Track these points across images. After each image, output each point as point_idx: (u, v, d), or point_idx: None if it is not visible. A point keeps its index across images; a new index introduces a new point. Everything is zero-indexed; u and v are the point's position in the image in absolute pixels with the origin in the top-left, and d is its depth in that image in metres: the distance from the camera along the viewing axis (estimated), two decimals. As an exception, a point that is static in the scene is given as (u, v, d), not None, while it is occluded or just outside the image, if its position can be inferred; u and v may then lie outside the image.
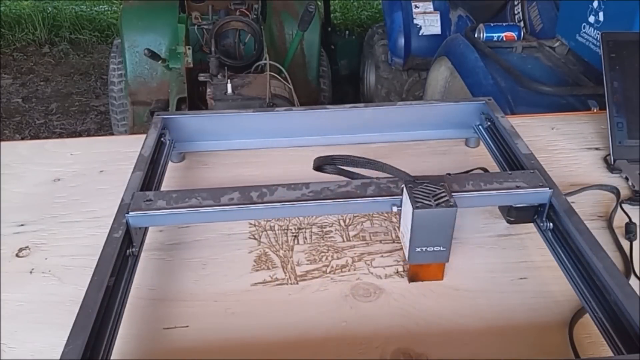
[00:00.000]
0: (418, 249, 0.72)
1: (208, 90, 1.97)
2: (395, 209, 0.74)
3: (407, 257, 0.74)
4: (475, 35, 1.94)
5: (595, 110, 1.24)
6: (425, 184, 0.73)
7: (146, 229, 0.81)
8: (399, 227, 0.77)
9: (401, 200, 0.74)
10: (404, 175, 0.76)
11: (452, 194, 0.72)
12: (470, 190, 0.77)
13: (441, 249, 0.72)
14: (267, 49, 2.19)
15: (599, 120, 1.14)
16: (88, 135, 3.12)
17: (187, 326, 0.71)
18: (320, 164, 0.78)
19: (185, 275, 0.79)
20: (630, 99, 1.02)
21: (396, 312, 0.73)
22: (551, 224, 0.77)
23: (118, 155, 1.04)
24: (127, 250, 0.73)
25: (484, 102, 1.01)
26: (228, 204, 0.75)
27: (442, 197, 0.71)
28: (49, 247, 0.84)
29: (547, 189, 0.78)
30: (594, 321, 0.66)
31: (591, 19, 1.58)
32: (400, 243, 0.84)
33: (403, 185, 0.74)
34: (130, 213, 0.74)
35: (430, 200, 0.70)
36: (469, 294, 0.76)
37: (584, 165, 1.02)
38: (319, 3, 3.03)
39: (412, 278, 0.77)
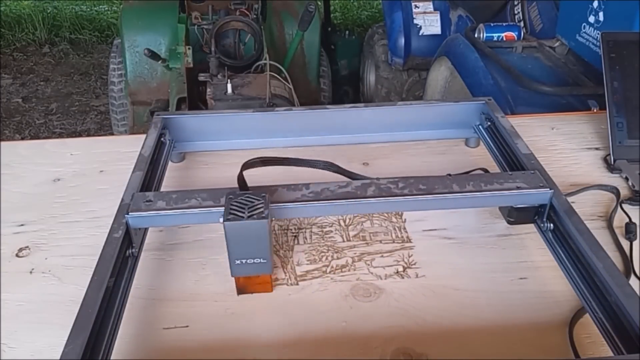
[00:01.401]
0: (237, 262, 0.71)
1: (208, 90, 1.97)
2: (221, 219, 0.71)
3: (230, 269, 0.73)
4: (475, 35, 1.94)
5: (595, 110, 1.24)
6: (246, 195, 0.72)
7: (146, 229, 0.81)
8: None
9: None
10: (229, 189, 0.75)
11: (452, 194, 0.72)
12: (471, 191, 0.77)
13: (262, 260, 0.71)
14: (267, 49, 2.19)
15: (599, 120, 1.14)
16: (88, 135, 3.12)
17: (187, 326, 0.71)
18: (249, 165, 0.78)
19: (185, 275, 0.79)
20: (630, 99, 1.02)
21: (396, 312, 0.73)
22: (551, 225, 0.77)
23: (118, 155, 1.04)
24: (127, 251, 0.73)
25: (484, 102, 1.01)
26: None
27: (256, 209, 0.70)
28: (49, 247, 0.84)
29: (548, 189, 0.78)
30: (594, 321, 0.66)
31: (591, 19, 1.58)
32: (400, 243, 0.84)
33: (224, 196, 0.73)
34: (130, 214, 0.74)
35: (244, 212, 0.69)
36: (469, 294, 0.76)
37: (584, 165, 1.02)
38: (319, 3, 3.03)
39: (241, 291, 0.75)
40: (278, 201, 0.75)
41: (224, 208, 0.71)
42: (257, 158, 0.81)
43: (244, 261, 0.71)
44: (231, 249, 0.70)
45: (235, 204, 0.71)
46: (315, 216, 0.88)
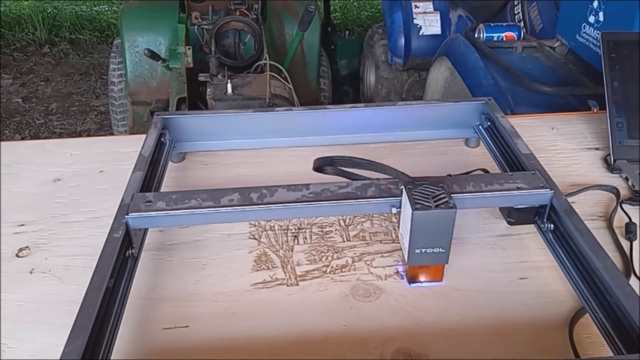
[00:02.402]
0: (417, 251, 0.72)
1: (208, 90, 1.97)
2: (394, 210, 0.74)
3: (406, 258, 0.74)
4: (475, 35, 1.94)
5: (595, 110, 1.24)
6: (424, 185, 0.73)
7: (146, 229, 0.81)
8: (398, 228, 0.77)
9: (400, 202, 0.74)
10: (403, 177, 0.76)
11: (453, 195, 0.72)
12: (471, 192, 0.77)
13: (441, 250, 0.72)
14: (267, 49, 2.19)
15: (599, 120, 1.14)
16: (88, 135, 3.12)
17: (187, 326, 0.71)
18: (321, 165, 0.78)
19: (186, 275, 0.79)
20: (630, 99, 1.02)
21: (396, 312, 0.73)
22: (552, 225, 0.77)
23: (118, 155, 1.04)
24: (127, 252, 0.73)
25: (484, 102, 1.01)
26: (228, 205, 0.75)
27: (441, 199, 0.71)
28: (49, 247, 0.84)
29: (548, 190, 0.78)
30: (594, 321, 0.66)
31: (591, 19, 1.58)
32: (400, 243, 0.84)
33: (402, 187, 0.74)
34: (129, 214, 0.74)
35: (429, 202, 0.70)
36: (469, 294, 0.76)
37: (584, 165, 1.02)
38: (319, 3, 3.03)
39: (412, 279, 0.76)
40: (278, 201, 0.75)
41: (398, 198, 0.73)
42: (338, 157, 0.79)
43: (423, 250, 0.72)
44: (414, 238, 0.71)
45: (417, 193, 0.71)
46: (315, 216, 0.88)
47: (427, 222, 0.70)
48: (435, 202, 0.70)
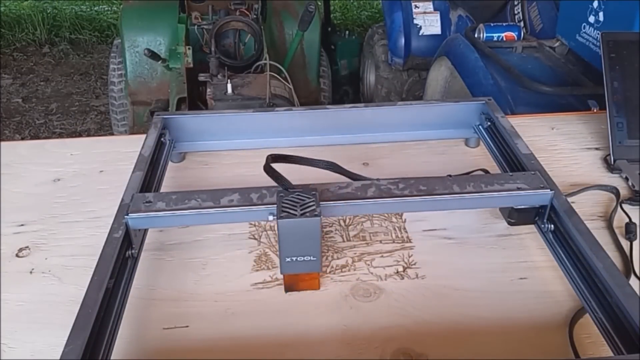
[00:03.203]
0: (288, 259, 0.72)
1: (208, 90, 1.97)
2: (271, 217, 0.73)
3: (279, 267, 0.73)
4: (475, 35, 1.94)
5: (595, 110, 1.24)
6: (297, 193, 0.73)
7: (146, 230, 0.81)
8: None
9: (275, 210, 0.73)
10: (282, 184, 0.75)
11: (453, 195, 0.72)
12: (471, 192, 0.77)
13: (312, 258, 0.72)
14: (267, 49, 2.19)
15: (599, 120, 1.14)
16: (88, 135, 3.12)
17: (187, 326, 0.71)
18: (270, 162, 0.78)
19: (186, 275, 0.79)
20: (630, 99, 1.02)
21: (396, 312, 0.73)
22: (552, 226, 0.77)
23: (118, 155, 1.04)
24: (127, 252, 0.73)
25: (484, 102, 1.01)
26: (228, 206, 0.75)
27: (308, 207, 0.70)
28: (49, 247, 0.84)
29: (548, 190, 0.78)
30: (594, 321, 0.66)
31: (591, 19, 1.58)
32: (400, 243, 0.84)
33: (276, 194, 0.73)
34: (129, 215, 0.74)
35: (296, 210, 0.70)
36: (469, 294, 0.76)
37: (584, 165, 1.02)
38: (319, 3, 3.03)
39: (288, 288, 0.76)
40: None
41: (274, 206, 0.72)
42: (277, 154, 0.80)
43: (294, 259, 0.71)
44: (283, 246, 0.70)
45: (286, 201, 0.71)
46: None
47: (292, 230, 0.70)
48: (301, 209, 0.70)
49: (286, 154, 0.82)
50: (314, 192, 0.73)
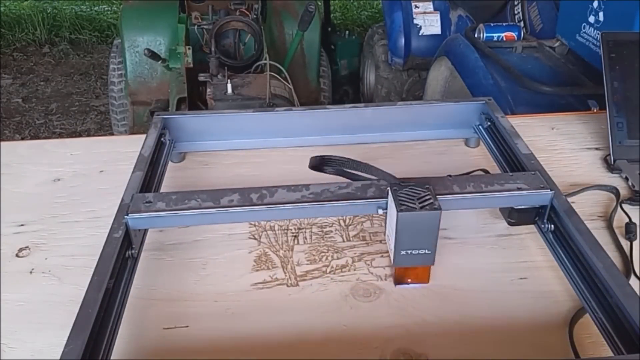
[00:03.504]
0: (403, 252, 0.72)
1: (208, 90, 1.97)
2: (380, 211, 0.74)
3: (392, 260, 0.74)
4: (475, 35, 1.94)
5: (595, 110, 1.24)
6: (410, 187, 0.73)
7: (146, 230, 0.81)
8: (385, 229, 0.77)
9: (386, 203, 0.74)
10: (389, 178, 0.75)
11: (453, 195, 0.72)
12: (471, 192, 0.77)
13: (426, 251, 0.72)
14: (267, 49, 2.19)
15: (599, 120, 1.14)
16: (88, 135, 3.12)
17: (187, 326, 0.71)
18: (317, 164, 0.78)
19: (186, 275, 0.79)
20: (630, 99, 1.02)
21: (396, 312, 0.73)
22: (552, 226, 0.77)
23: (118, 155, 1.04)
24: (127, 252, 0.73)
25: (484, 102, 1.01)
26: (228, 206, 0.75)
27: (426, 200, 0.70)
28: (49, 247, 0.84)
29: (549, 190, 0.78)
30: (594, 321, 0.66)
31: (591, 19, 1.58)
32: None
33: (388, 188, 0.73)
34: (129, 215, 0.74)
35: (414, 203, 0.70)
36: (469, 294, 0.76)
37: (584, 165, 1.02)
38: (319, 3, 3.03)
39: (398, 281, 0.76)
40: (278, 202, 0.75)
41: (385, 199, 0.72)
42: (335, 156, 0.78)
43: (409, 252, 0.71)
44: (400, 239, 0.70)
45: (402, 195, 0.71)
46: (315, 217, 0.88)
47: (412, 223, 0.70)
48: (420, 203, 0.70)
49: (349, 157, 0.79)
50: (428, 186, 0.73)
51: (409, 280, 0.76)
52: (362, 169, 0.77)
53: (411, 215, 0.69)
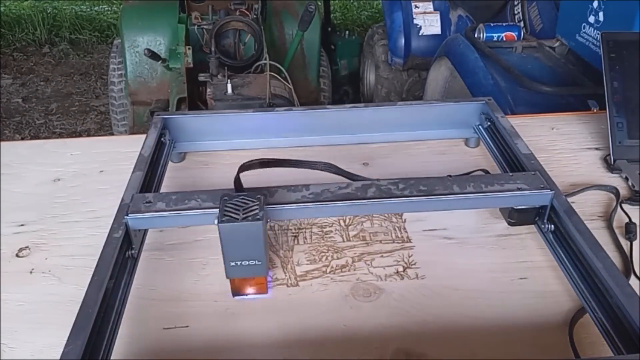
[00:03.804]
0: (232, 263, 0.71)
1: (208, 90, 1.97)
2: (215, 221, 0.71)
3: (225, 271, 0.73)
4: (475, 35, 1.94)
5: (595, 110, 1.24)
6: (241, 197, 0.72)
7: (146, 230, 0.81)
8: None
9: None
10: (228, 189, 0.75)
11: (453, 196, 0.72)
12: (471, 192, 0.77)
13: (257, 262, 0.71)
14: (267, 49, 2.19)
15: (599, 120, 1.14)
16: (88, 135, 3.12)
17: (187, 326, 0.71)
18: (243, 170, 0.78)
19: (186, 275, 0.79)
20: (630, 99, 1.02)
21: (396, 312, 0.73)
22: (552, 226, 0.77)
23: (118, 155, 1.04)
24: (127, 252, 0.73)
25: (484, 102, 1.01)
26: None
27: (251, 211, 0.69)
28: (49, 247, 0.84)
29: (549, 190, 0.78)
30: (594, 321, 0.67)
31: (591, 19, 1.58)
32: (400, 243, 0.84)
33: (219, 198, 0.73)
34: (129, 215, 0.74)
35: (238, 214, 0.69)
36: (469, 294, 0.76)
37: (584, 165, 1.02)
38: (319, 3, 3.03)
39: (236, 292, 0.75)
40: (278, 202, 0.75)
41: (218, 210, 0.71)
42: (256, 160, 0.81)
43: (238, 263, 0.71)
44: (226, 250, 0.70)
45: (230, 205, 0.70)
46: (315, 217, 0.88)
47: (234, 234, 0.69)
48: (244, 213, 0.69)
49: (282, 158, 0.82)
50: (259, 196, 0.72)
51: (248, 291, 0.75)
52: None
53: (232, 226, 0.68)
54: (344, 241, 0.85)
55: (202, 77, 2.00)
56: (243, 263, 0.71)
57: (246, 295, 0.75)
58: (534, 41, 1.90)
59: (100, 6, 4.65)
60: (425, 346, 0.68)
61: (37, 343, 0.69)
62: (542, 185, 0.78)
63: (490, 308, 0.73)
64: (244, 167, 0.79)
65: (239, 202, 0.71)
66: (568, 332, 0.69)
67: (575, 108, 1.38)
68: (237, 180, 0.77)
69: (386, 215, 0.89)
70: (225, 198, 0.72)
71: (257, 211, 0.69)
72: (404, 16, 2.64)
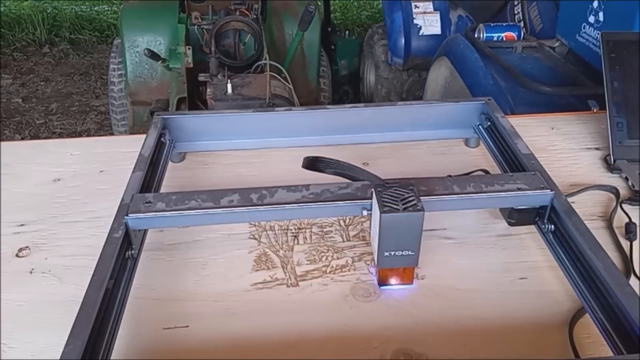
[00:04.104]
0: (386, 253, 0.71)
1: (208, 90, 1.97)
2: (365, 212, 0.74)
3: (376, 261, 0.74)
4: (475, 35, 1.94)
5: (595, 110, 1.24)
6: (394, 188, 0.73)
7: (146, 230, 0.81)
8: (370, 231, 0.76)
9: (371, 204, 0.74)
10: (374, 179, 0.75)
11: (453, 196, 0.72)
12: (472, 193, 0.77)
13: (410, 253, 0.72)
14: (267, 49, 2.19)
15: (599, 120, 1.14)
16: (88, 135, 3.12)
17: (187, 326, 0.71)
18: (310, 164, 0.78)
19: (186, 275, 0.79)
20: (630, 99, 1.02)
21: (396, 312, 0.73)
22: (552, 226, 0.77)
23: (118, 155, 1.04)
24: (127, 252, 0.73)
25: (484, 102, 1.01)
26: (228, 206, 0.75)
27: (410, 201, 0.70)
28: (49, 247, 0.84)
29: (549, 191, 0.78)
30: (594, 321, 0.66)
31: (591, 19, 1.58)
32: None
33: (372, 190, 0.73)
34: (129, 215, 0.74)
35: (398, 205, 0.70)
36: (469, 294, 0.76)
37: (584, 165, 1.02)
38: (319, 3, 3.03)
39: (381, 282, 0.76)
40: (278, 202, 0.75)
41: (369, 200, 0.72)
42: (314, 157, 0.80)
43: (392, 253, 0.71)
44: (383, 240, 0.70)
45: (386, 196, 0.71)
46: (316, 217, 0.88)
47: (395, 225, 0.69)
48: (403, 204, 0.70)
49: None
50: (411, 187, 0.73)
51: (393, 281, 0.76)
52: (348, 170, 0.78)
53: (394, 216, 0.69)
54: (344, 241, 0.85)
55: (202, 77, 2.00)
56: (396, 253, 0.71)
57: (392, 285, 0.76)
58: (534, 41, 1.90)
59: (100, 6, 4.65)
60: (425, 346, 0.68)
61: (37, 343, 0.69)
62: (542, 186, 0.78)
63: (490, 308, 0.73)
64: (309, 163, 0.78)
65: (394, 193, 0.72)
66: (568, 332, 0.69)
67: (575, 108, 1.38)
68: (312, 166, 0.76)
69: (386, 215, 0.89)
70: (379, 189, 0.72)
71: (415, 202, 0.70)
72: (404, 16, 2.64)
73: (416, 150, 1.06)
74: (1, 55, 4.05)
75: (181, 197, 0.76)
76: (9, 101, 3.52)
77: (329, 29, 3.14)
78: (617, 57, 1.04)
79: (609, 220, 0.88)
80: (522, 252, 0.82)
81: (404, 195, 0.71)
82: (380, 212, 0.69)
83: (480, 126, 1.01)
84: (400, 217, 0.69)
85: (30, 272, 0.80)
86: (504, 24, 2.07)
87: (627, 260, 0.80)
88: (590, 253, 0.68)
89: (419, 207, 0.69)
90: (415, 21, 2.63)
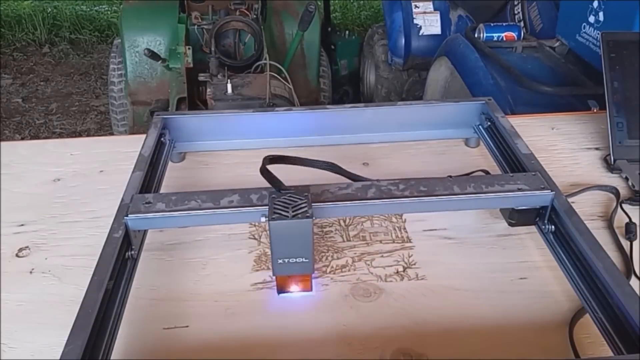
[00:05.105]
0: (280, 261, 0.71)
1: (208, 90, 1.97)
2: (263, 219, 0.72)
3: (272, 269, 0.73)
4: (475, 35, 1.94)
5: (595, 110, 1.24)
6: (289, 195, 0.72)
7: (145, 230, 0.81)
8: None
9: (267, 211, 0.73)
10: (276, 186, 0.75)
11: (453, 196, 0.72)
12: (472, 193, 0.77)
13: (304, 260, 0.71)
14: (267, 49, 2.19)
15: (599, 120, 1.14)
16: (88, 135, 3.12)
17: (187, 326, 0.71)
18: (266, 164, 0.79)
19: (186, 275, 0.79)
20: (630, 99, 1.02)
21: (396, 312, 0.73)
22: (553, 227, 0.77)
23: (118, 155, 1.04)
24: (127, 253, 0.73)
25: (484, 102, 1.01)
26: (227, 207, 0.75)
27: (300, 208, 0.70)
28: (49, 247, 0.84)
29: (549, 191, 0.77)
30: (594, 321, 0.66)
31: (591, 19, 1.58)
32: (400, 243, 0.84)
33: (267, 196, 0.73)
34: (129, 216, 0.73)
35: (288, 212, 0.70)
36: (469, 294, 0.76)
37: (584, 165, 1.02)
38: (319, 3, 3.03)
39: (280, 289, 0.75)
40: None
41: (266, 207, 0.71)
42: (274, 155, 0.80)
43: (286, 260, 0.71)
44: (275, 248, 0.70)
45: (278, 203, 0.71)
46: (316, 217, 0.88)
47: (283, 232, 0.69)
48: (293, 211, 0.70)
49: (284, 154, 0.82)
50: (306, 194, 0.72)
51: (293, 288, 0.75)
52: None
53: (282, 223, 0.69)
54: (344, 241, 0.85)
55: (202, 77, 2.00)
56: (290, 260, 0.71)
57: (290, 292, 0.75)
58: (534, 41, 1.90)
59: (100, 6, 4.65)
60: (425, 346, 0.68)
61: (37, 343, 0.69)
62: (542, 186, 0.78)
63: (490, 308, 0.73)
64: (271, 160, 0.79)
65: (287, 200, 0.71)
66: (568, 332, 0.69)
67: (575, 108, 1.38)
68: (274, 178, 0.76)
69: (386, 215, 0.89)
70: (273, 196, 0.72)
71: (306, 209, 0.70)
72: (404, 16, 2.64)
73: (416, 150, 1.06)
74: (1, 55, 4.05)
75: (181, 197, 0.76)
76: (9, 101, 3.52)
77: (329, 29, 3.14)
78: (617, 57, 1.04)
79: (609, 220, 0.88)
80: (522, 252, 0.82)
81: (296, 202, 0.71)
82: (268, 219, 0.69)
83: (480, 126, 1.01)
84: (288, 224, 0.69)
85: (30, 272, 0.80)
86: (504, 24, 2.07)
87: (627, 260, 0.80)
88: (591, 253, 0.68)
89: (308, 214, 0.69)
90: (415, 21, 2.63)
